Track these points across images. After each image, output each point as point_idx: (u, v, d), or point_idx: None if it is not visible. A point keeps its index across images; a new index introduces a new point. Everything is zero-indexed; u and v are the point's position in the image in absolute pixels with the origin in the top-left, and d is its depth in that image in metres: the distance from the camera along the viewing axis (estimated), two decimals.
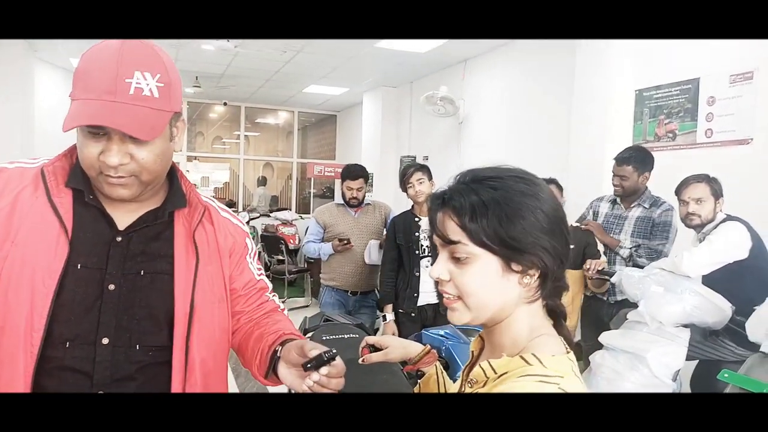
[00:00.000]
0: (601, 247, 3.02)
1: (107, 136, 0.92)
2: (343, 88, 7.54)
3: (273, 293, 1.21)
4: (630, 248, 2.89)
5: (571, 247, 2.97)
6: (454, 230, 0.74)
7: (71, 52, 5.80)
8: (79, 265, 0.97)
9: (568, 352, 0.76)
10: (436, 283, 0.79)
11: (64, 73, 6.50)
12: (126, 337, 0.98)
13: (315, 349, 0.93)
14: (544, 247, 0.73)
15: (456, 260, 0.75)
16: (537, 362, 0.71)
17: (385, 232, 3.50)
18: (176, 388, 0.99)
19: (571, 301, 2.88)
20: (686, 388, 2.58)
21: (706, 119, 3.29)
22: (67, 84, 6.43)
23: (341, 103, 8.88)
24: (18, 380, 0.92)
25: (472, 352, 0.88)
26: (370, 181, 7.60)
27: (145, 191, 1.00)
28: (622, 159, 2.92)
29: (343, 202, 3.56)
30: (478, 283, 0.74)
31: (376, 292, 3.57)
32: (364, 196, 3.56)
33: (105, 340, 0.96)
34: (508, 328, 0.78)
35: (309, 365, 0.91)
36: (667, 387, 2.22)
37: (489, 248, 0.73)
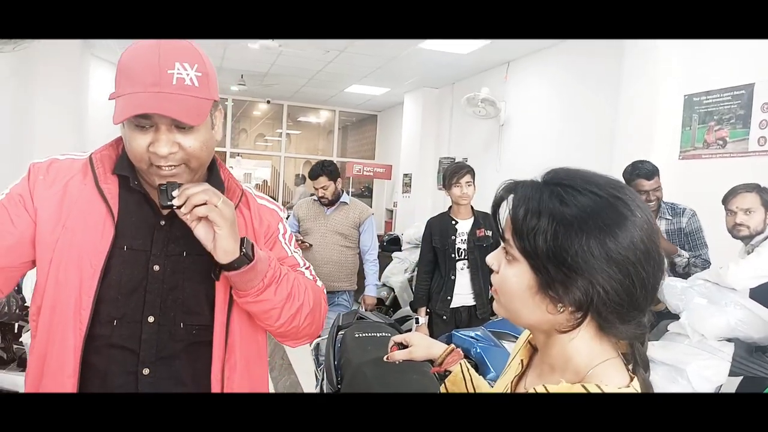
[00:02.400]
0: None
1: (154, 128, 0.95)
2: (384, 88, 7.56)
3: (307, 267, 1.19)
4: (687, 258, 2.73)
5: None
6: (508, 225, 0.70)
7: (125, 49, 5.99)
8: (125, 247, 1.01)
9: (632, 380, 0.68)
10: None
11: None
12: (170, 316, 1.02)
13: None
14: (592, 283, 0.63)
15: (505, 255, 0.72)
16: None
17: (360, 233, 3.48)
18: (216, 367, 1.02)
19: None
20: None
21: (760, 126, 3.16)
22: None
23: (382, 103, 8.91)
24: (68, 356, 0.97)
25: (522, 361, 0.82)
26: (402, 180, 7.61)
27: (192, 179, 1.03)
28: (650, 172, 2.77)
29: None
30: (510, 289, 0.71)
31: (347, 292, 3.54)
32: (336, 194, 3.46)
33: (151, 319, 1.01)
34: (561, 346, 0.70)
35: (163, 203, 0.94)
36: None
37: (528, 260, 0.67)
